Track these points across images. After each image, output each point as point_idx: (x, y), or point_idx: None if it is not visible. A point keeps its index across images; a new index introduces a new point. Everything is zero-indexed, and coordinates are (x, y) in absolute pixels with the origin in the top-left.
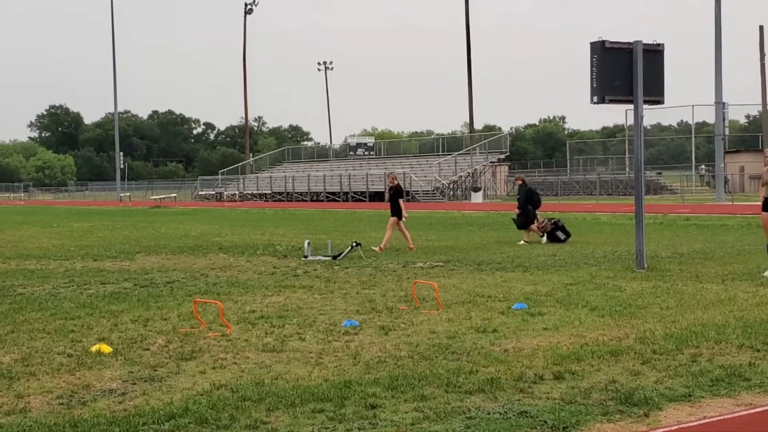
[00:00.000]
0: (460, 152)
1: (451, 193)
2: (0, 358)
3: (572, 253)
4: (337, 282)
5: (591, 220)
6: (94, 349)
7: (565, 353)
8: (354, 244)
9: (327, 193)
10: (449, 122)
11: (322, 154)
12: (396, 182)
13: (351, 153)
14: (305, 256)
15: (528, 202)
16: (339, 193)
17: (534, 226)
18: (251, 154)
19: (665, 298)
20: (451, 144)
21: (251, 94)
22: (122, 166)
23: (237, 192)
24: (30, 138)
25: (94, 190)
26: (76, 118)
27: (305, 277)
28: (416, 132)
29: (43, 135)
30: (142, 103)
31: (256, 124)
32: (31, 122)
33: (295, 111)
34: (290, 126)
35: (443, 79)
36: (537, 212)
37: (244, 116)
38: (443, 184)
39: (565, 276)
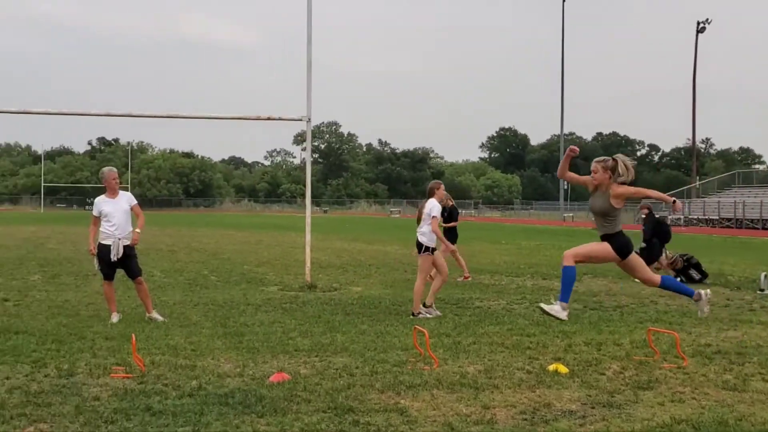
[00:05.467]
0: None
1: None
2: (465, 368)
3: None
4: None
5: None
6: (551, 368)
7: None
8: None
9: None
10: None
11: None
12: (451, 203)
13: None
14: (761, 290)
15: (654, 234)
16: None
17: (664, 262)
18: (698, 177)
19: None
20: None
21: (699, 116)
22: (566, 187)
23: (681, 216)
24: (480, 158)
25: (538, 209)
26: (523, 140)
27: (762, 312)
28: None
29: (492, 155)
30: (586, 125)
31: (703, 146)
32: (482, 143)
33: (744, 133)
34: (740, 148)
35: None
36: (665, 247)
37: (690, 138)
38: None
39: None
